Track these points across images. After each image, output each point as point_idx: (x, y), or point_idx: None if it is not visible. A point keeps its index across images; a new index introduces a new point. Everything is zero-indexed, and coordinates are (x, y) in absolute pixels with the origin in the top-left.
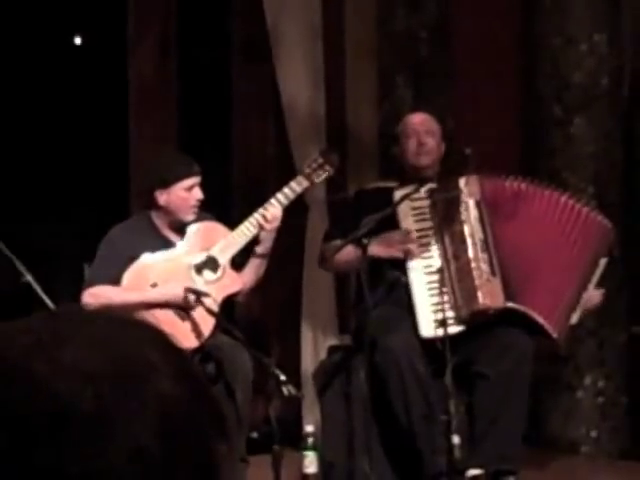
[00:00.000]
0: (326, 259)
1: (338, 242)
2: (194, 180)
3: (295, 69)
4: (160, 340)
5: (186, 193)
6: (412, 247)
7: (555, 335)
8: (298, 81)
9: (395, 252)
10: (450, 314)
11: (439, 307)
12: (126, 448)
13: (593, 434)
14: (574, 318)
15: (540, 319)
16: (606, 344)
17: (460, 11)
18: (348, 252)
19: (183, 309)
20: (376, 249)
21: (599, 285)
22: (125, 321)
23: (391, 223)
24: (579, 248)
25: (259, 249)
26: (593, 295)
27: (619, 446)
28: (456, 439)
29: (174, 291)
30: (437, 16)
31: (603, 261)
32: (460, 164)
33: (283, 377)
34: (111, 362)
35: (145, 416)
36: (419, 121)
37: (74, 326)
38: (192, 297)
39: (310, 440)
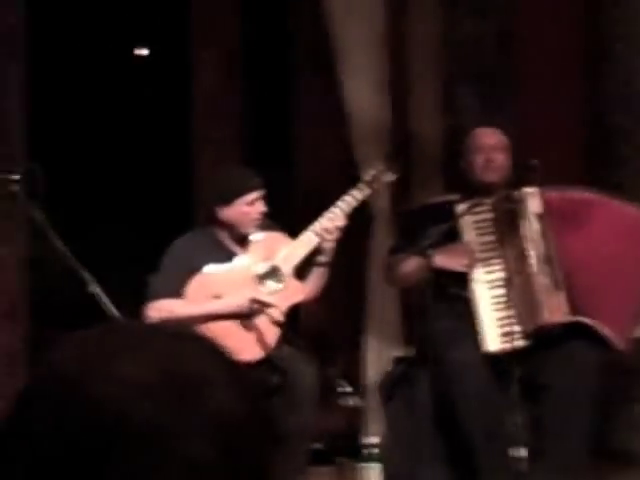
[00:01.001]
0: (391, 272)
1: (403, 255)
2: (255, 194)
3: (359, 78)
4: (217, 355)
5: (248, 207)
6: (474, 261)
7: (621, 346)
8: (362, 90)
9: (458, 265)
10: (515, 328)
11: (504, 321)
12: (184, 462)
13: None
14: (638, 331)
15: (605, 330)
16: None
17: (526, 19)
18: (412, 264)
19: (248, 319)
20: (439, 260)
21: None
22: (182, 336)
23: (455, 236)
24: None
25: (321, 258)
26: None
27: None
28: (522, 452)
29: (238, 302)
30: (502, 24)
31: None
32: (525, 176)
33: (347, 388)
34: (168, 377)
35: (202, 431)
36: (487, 136)
37: (131, 341)
38: (256, 307)
39: (373, 451)
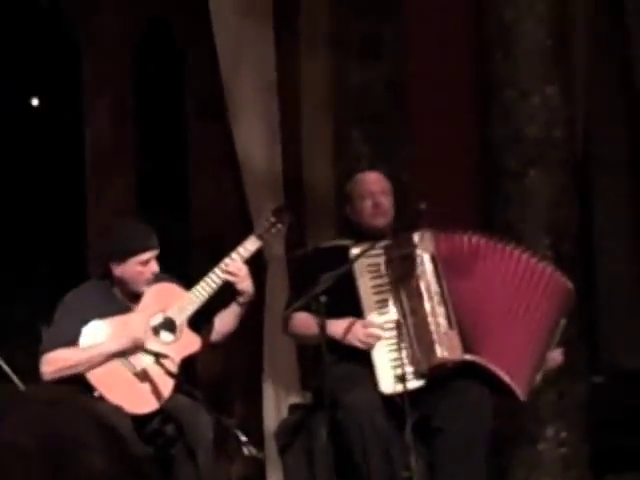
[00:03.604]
0: (288, 328)
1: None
2: (150, 254)
3: (251, 126)
4: (93, 419)
5: (141, 267)
6: (372, 341)
7: (522, 398)
8: (254, 138)
9: (355, 342)
10: (409, 369)
11: (398, 362)
12: None
13: None
14: (537, 378)
15: (507, 379)
16: (566, 394)
17: (415, 65)
18: (308, 324)
19: (142, 370)
20: (336, 331)
21: (558, 344)
22: (58, 401)
23: (348, 281)
24: (542, 307)
25: (240, 299)
26: (555, 354)
27: None
28: None
29: (131, 335)
30: (392, 69)
31: (563, 321)
32: (415, 219)
33: (244, 438)
34: (42, 440)
35: None
36: (373, 181)
37: (10, 406)
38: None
39: None
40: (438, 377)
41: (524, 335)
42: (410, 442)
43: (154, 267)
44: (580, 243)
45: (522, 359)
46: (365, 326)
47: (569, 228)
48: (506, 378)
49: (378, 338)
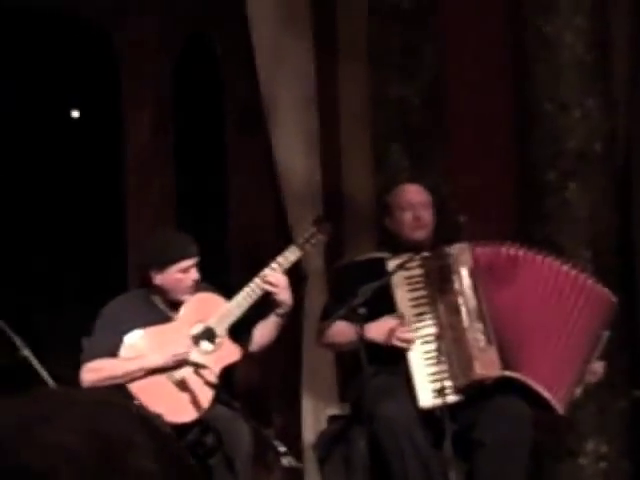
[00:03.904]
0: (323, 338)
1: (335, 317)
2: (190, 262)
3: (290, 138)
4: (141, 420)
5: (182, 274)
6: (409, 335)
7: (561, 412)
8: (293, 150)
9: (394, 341)
10: (447, 383)
11: (436, 377)
12: None
13: None
14: (577, 392)
15: (546, 394)
16: (607, 409)
17: (453, 78)
18: (344, 332)
19: (180, 379)
20: (374, 334)
21: (600, 357)
22: (106, 401)
23: (386, 293)
24: (583, 320)
25: (279, 310)
26: (596, 368)
27: None
28: None
29: (174, 351)
30: (430, 83)
31: (606, 334)
32: (454, 232)
33: (283, 448)
34: (92, 441)
35: None
36: (414, 193)
37: (58, 407)
38: (181, 360)
39: None
40: (477, 390)
41: (564, 349)
42: (449, 455)
43: (194, 275)
44: (621, 256)
45: (562, 373)
46: (402, 324)
47: (609, 241)
48: (545, 394)
49: (415, 332)
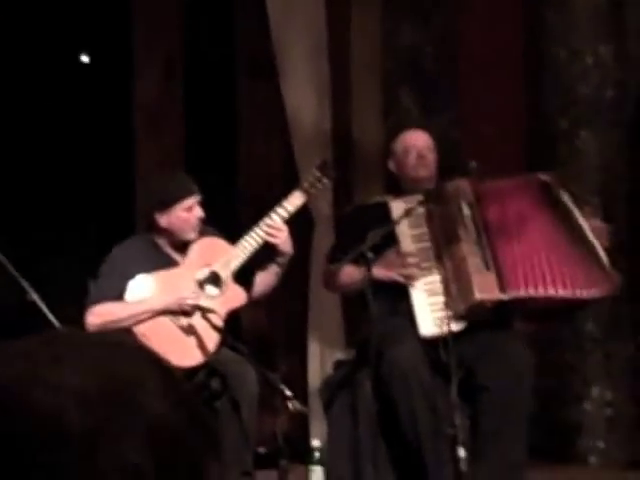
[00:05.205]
0: (331, 280)
1: (344, 261)
2: (193, 200)
3: (300, 85)
4: (153, 363)
5: (186, 213)
6: (412, 271)
7: (603, 292)
8: (303, 96)
9: (396, 276)
10: (449, 312)
11: (437, 306)
12: (117, 464)
13: (601, 445)
14: (604, 258)
15: (562, 292)
16: (613, 355)
17: (465, 26)
18: (350, 274)
19: (186, 322)
20: (376, 272)
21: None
22: (118, 344)
23: (393, 237)
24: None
25: (279, 259)
26: (596, 227)
27: (627, 457)
28: (462, 452)
29: (178, 295)
30: (442, 31)
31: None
32: (465, 177)
33: (289, 392)
34: (102, 383)
35: (134, 433)
36: (418, 137)
37: (68, 349)
38: (187, 306)
39: (317, 455)
40: (480, 330)
41: (549, 244)
42: (455, 399)
43: (198, 212)
44: (630, 204)
45: (565, 264)
46: (400, 256)
47: (620, 189)
48: (561, 292)
49: (417, 266)
